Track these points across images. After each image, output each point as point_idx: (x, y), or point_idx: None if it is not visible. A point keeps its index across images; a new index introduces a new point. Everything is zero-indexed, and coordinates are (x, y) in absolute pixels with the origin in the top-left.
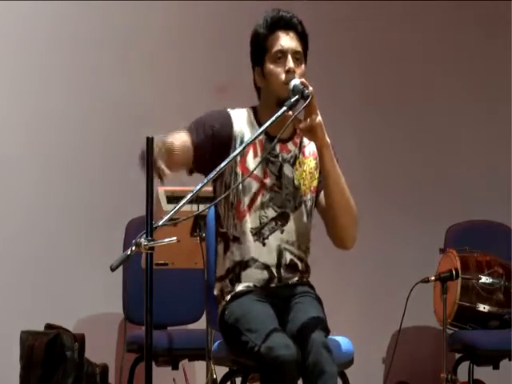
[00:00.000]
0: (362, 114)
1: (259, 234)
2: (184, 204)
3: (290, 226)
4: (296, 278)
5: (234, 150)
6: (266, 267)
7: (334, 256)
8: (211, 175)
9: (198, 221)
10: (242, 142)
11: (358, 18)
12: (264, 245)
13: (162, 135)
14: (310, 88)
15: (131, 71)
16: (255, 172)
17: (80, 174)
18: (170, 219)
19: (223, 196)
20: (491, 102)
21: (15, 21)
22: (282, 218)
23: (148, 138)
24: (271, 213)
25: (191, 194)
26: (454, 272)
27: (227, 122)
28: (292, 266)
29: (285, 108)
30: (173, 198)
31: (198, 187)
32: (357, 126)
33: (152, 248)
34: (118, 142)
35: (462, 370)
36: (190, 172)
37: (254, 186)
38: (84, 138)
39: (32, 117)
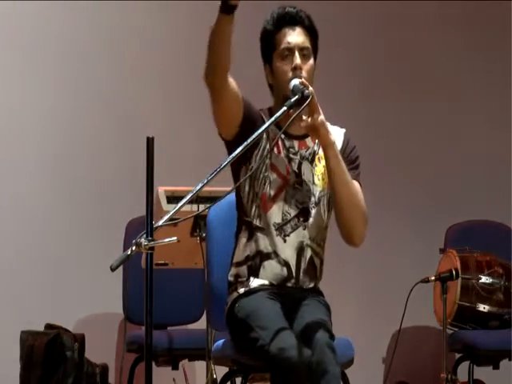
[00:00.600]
0: (361, 113)
1: (281, 229)
2: (184, 204)
3: (312, 221)
4: (311, 285)
5: (262, 147)
6: (286, 264)
7: (334, 256)
8: (211, 175)
9: (198, 221)
10: (266, 139)
11: (357, 13)
12: (285, 241)
13: None
14: (310, 88)
15: (131, 71)
16: (279, 168)
17: (80, 173)
18: (170, 219)
19: (232, 188)
20: (492, 102)
21: (18, 22)
22: (303, 215)
23: (148, 138)
24: (293, 210)
25: (191, 194)
26: (454, 272)
27: (260, 116)
28: (311, 266)
29: (284, 108)
30: (173, 198)
31: (198, 187)
32: (355, 125)
33: (152, 248)
34: (118, 141)
35: (462, 370)
36: (232, 136)
37: (278, 182)
38: (84, 137)
39: (33, 117)
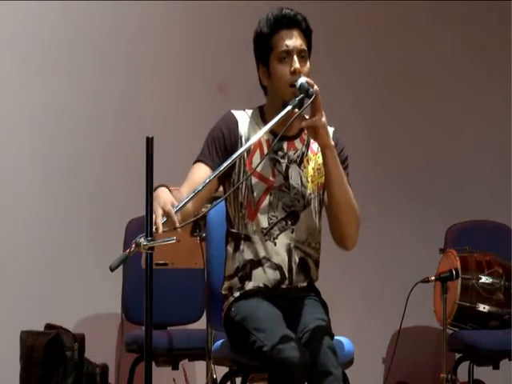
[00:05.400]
0: (361, 113)
1: (269, 234)
2: (185, 204)
3: (300, 224)
4: (306, 283)
5: (240, 159)
6: (278, 267)
7: (334, 256)
8: (213, 175)
9: (198, 221)
10: (247, 141)
11: (361, 11)
12: (275, 244)
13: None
14: (316, 87)
15: (132, 71)
16: (262, 172)
17: (80, 174)
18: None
19: (224, 197)
20: (492, 102)
21: (17, 21)
22: (291, 218)
23: (148, 138)
24: (281, 213)
25: (192, 194)
26: (454, 272)
27: (233, 124)
28: (302, 266)
29: (290, 107)
30: None
31: (200, 187)
32: (356, 125)
33: (152, 248)
34: (118, 142)
35: (462, 370)
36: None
37: (261, 186)
38: (84, 138)
39: (34, 118)
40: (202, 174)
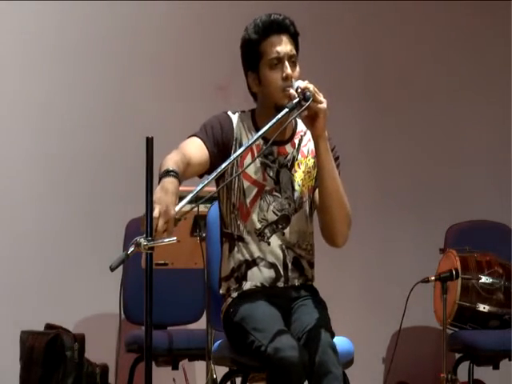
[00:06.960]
0: (362, 114)
1: (262, 234)
2: (184, 205)
3: (291, 228)
4: (301, 281)
5: (233, 152)
6: (273, 266)
7: (334, 256)
8: (212, 176)
9: (198, 221)
10: (240, 145)
11: (359, 12)
12: (269, 244)
13: (176, 151)
14: (311, 87)
15: (132, 72)
16: (254, 176)
17: (80, 174)
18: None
19: (214, 192)
20: (492, 102)
21: (17, 22)
22: (282, 221)
23: (148, 139)
24: (271, 216)
25: (191, 195)
26: (454, 272)
27: (228, 124)
28: (296, 265)
29: (287, 110)
30: None
31: (199, 188)
32: (357, 125)
33: (152, 248)
34: (118, 142)
35: (462, 370)
36: (202, 175)
37: (253, 190)
38: (84, 138)
39: (34, 118)
40: (194, 146)
